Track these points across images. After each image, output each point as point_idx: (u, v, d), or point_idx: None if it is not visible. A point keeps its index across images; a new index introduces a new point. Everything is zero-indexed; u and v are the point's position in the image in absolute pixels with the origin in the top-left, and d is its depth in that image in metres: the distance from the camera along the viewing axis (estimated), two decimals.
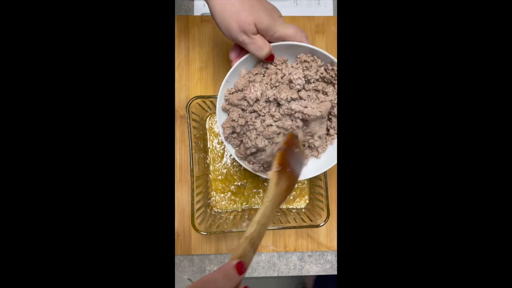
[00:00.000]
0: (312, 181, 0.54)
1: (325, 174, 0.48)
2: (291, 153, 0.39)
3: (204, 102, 0.50)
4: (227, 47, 0.58)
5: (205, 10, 0.59)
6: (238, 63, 0.41)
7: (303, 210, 0.55)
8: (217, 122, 0.44)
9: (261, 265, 0.57)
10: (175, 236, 0.56)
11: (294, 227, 0.47)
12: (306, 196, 0.56)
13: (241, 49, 0.42)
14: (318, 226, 0.47)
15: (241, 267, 0.29)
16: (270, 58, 0.41)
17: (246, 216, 0.53)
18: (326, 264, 0.57)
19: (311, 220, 0.49)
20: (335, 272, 0.57)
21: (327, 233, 0.56)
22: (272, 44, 0.40)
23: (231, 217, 0.53)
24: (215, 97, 0.49)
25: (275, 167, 0.37)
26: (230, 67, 0.42)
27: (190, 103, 0.48)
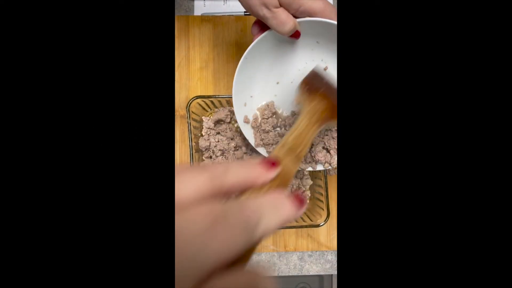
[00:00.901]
0: (312, 181, 0.54)
1: (325, 174, 0.48)
2: (317, 79, 0.35)
3: (204, 101, 0.50)
4: (227, 47, 0.58)
5: (205, 10, 0.59)
6: (258, 39, 0.37)
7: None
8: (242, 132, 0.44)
9: (261, 265, 0.57)
10: None
11: (294, 227, 0.47)
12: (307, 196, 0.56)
13: (263, 24, 0.36)
14: (318, 226, 0.47)
15: (273, 163, 0.21)
16: (295, 35, 0.36)
17: None
18: (326, 264, 0.57)
19: (311, 220, 0.49)
20: (335, 272, 0.57)
21: (327, 233, 0.56)
22: (298, 20, 0.35)
23: None
24: (215, 97, 0.49)
25: (301, 85, 0.34)
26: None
27: (190, 103, 0.48)
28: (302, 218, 0.51)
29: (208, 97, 0.49)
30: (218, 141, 0.50)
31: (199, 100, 0.49)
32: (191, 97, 0.57)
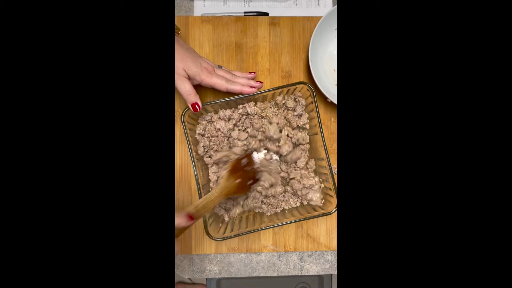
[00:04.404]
0: (318, 171, 0.54)
1: (328, 162, 0.48)
2: (242, 166, 0.50)
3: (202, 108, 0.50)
4: (227, 48, 0.58)
5: (205, 10, 0.59)
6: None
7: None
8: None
9: (261, 265, 0.57)
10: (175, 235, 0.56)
11: (307, 218, 0.48)
12: None
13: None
14: (329, 213, 0.47)
15: (190, 217, 0.40)
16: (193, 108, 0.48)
17: (252, 218, 0.53)
18: (326, 263, 0.57)
19: (322, 209, 0.49)
20: (335, 272, 0.57)
21: (327, 233, 0.57)
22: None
23: (236, 219, 0.53)
24: (206, 104, 0.49)
25: (227, 167, 0.49)
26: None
27: (184, 113, 0.48)
28: (314, 209, 0.51)
29: (203, 104, 0.49)
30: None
31: (189, 112, 0.49)
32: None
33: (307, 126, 0.52)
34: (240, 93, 0.49)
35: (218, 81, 0.48)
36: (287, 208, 0.53)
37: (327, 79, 0.57)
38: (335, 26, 0.55)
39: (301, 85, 0.49)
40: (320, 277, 0.59)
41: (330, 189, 0.49)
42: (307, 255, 0.57)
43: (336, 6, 0.53)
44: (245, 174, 0.49)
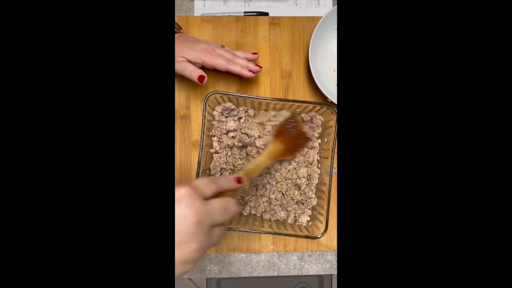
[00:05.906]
0: (317, 194, 0.54)
1: (329, 189, 0.48)
2: (287, 129, 0.50)
3: (221, 97, 0.50)
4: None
5: (205, 10, 0.59)
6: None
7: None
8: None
9: (261, 265, 0.57)
10: None
11: (291, 235, 0.48)
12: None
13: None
14: (315, 237, 0.47)
15: (239, 180, 0.39)
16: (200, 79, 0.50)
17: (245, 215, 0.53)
18: (326, 263, 0.57)
19: (308, 231, 0.50)
20: (335, 272, 0.57)
21: (327, 233, 0.57)
22: None
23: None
24: (232, 94, 0.49)
25: (272, 131, 0.50)
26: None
27: (208, 97, 0.48)
28: (300, 228, 0.51)
29: (225, 93, 0.49)
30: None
31: (217, 96, 0.49)
32: (190, 98, 0.57)
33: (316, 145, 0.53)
34: (239, 75, 0.50)
35: (218, 61, 0.49)
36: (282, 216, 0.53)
37: (327, 79, 0.57)
38: (335, 26, 0.55)
39: (326, 107, 0.49)
40: (320, 277, 0.59)
41: (322, 214, 0.49)
42: (307, 255, 0.57)
43: (336, 6, 0.53)
44: (290, 137, 0.50)
